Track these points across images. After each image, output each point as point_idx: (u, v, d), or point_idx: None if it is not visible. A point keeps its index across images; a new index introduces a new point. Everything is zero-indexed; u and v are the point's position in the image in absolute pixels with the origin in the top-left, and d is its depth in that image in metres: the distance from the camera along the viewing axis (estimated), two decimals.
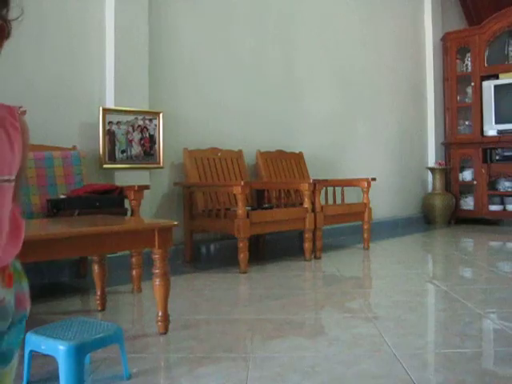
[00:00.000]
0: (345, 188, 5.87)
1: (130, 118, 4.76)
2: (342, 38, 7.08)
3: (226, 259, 5.14)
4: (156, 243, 2.64)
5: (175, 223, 2.81)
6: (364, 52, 7.40)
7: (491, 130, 7.75)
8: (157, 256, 2.68)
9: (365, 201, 5.79)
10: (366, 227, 5.79)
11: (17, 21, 1.03)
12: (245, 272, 4.48)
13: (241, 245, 4.49)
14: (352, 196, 6.42)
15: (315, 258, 5.19)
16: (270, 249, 5.82)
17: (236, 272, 4.51)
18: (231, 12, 5.81)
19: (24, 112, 1.03)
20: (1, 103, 1.00)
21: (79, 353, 2.03)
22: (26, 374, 2.15)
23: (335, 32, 7.00)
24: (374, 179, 5.89)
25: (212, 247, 5.43)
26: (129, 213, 4.01)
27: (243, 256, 4.50)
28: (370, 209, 5.79)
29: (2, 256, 0.97)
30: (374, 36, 7.57)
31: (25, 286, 1.06)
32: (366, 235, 5.78)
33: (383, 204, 7.31)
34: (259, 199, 5.31)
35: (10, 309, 0.99)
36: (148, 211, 4.74)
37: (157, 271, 2.71)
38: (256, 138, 5.95)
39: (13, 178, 0.99)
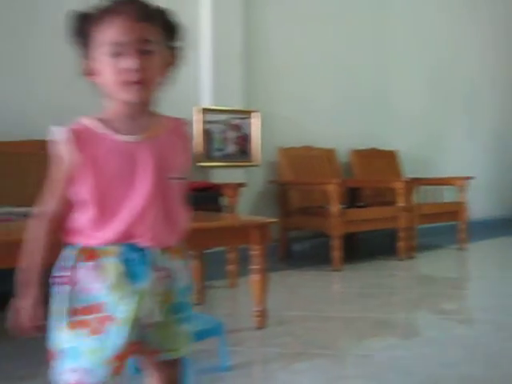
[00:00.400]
0: (439, 187, 5.75)
1: (226, 117, 4.87)
2: (435, 33, 6.92)
3: (318, 257, 5.16)
4: (255, 240, 2.71)
5: (273, 220, 2.87)
6: (459, 48, 7.20)
7: None
8: (255, 252, 2.75)
9: (461, 200, 5.65)
10: (462, 227, 5.65)
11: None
12: (338, 270, 4.50)
13: (334, 243, 4.50)
14: (447, 195, 6.28)
15: (409, 257, 5.12)
16: (363, 247, 5.79)
17: (329, 270, 4.53)
18: (323, 11, 5.80)
19: (186, 124, 1.34)
20: (170, 116, 1.32)
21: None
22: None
23: (428, 27, 6.84)
24: (470, 178, 5.73)
25: (305, 245, 5.47)
26: (223, 210, 4.11)
27: (337, 254, 4.51)
28: (466, 208, 5.65)
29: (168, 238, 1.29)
30: (470, 31, 7.35)
31: (185, 262, 1.36)
32: (462, 235, 5.64)
33: (480, 203, 7.08)
34: (352, 197, 5.29)
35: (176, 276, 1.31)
36: (243, 209, 4.83)
37: (255, 267, 2.77)
38: (349, 136, 5.93)
39: (183, 176, 1.30)
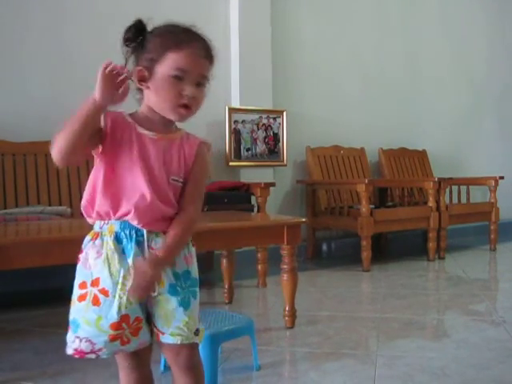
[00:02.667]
0: (470, 187, 5.69)
1: (255, 116, 4.88)
2: (466, 33, 6.84)
3: (347, 257, 5.15)
4: (285, 239, 2.71)
5: (303, 220, 2.87)
6: (491, 48, 7.11)
7: None
8: (285, 252, 2.75)
9: (492, 200, 5.59)
10: (493, 228, 5.58)
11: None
12: (367, 270, 4.47)
13: (364, 243, 4.48)
14: (477, 195, 6.21)
15: (439, 258, 5.08)
16: (392, 247, 5.76)
17: (358, 270, 4.51)
18: (351, 9, 5.79)
19: (205, 144, 1.50)
20: (193, 134, 1.50)
21: (213, 342, 2.13)
22: (162, 360, 2.27)
23: (461, 27, 6.78)
24: (501, 178, 5.66)
25: (333, 245, 5.45)
26: (255, 209, 4.12)
27: (366, 254, 4.49)
28: (497, 208, 5.58)
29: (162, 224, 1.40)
30: (502, 31, 7.25)
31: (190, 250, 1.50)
32: (492, 236, 5.58)
33: (510, 203, 6.97)
34: (382, 197, 5.26)
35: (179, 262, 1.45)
36: (272, 208, 4.84)
37: (285, 267, 2.78)
38: (378, 135, 5.90)
39: (181, 180, 1.44)
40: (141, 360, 1.48)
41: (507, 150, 7.25)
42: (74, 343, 1.37)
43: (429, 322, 3.13)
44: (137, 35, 1.40)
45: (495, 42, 7.16)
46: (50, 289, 3.77)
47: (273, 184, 4.28)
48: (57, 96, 4.01)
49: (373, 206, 4.79)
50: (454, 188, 5.69)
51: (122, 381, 1.50)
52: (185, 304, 1.42)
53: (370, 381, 2.16)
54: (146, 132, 1.41)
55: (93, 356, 1.38)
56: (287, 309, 2.85)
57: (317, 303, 3.52)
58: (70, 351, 1.38)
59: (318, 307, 3.41)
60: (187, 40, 1.39)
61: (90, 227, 1.44)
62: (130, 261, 1.37)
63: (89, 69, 4.18)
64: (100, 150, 1.38)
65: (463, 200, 5.67)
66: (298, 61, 5.37)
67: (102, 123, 1.37)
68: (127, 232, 1.38)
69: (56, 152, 1.32)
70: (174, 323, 1.41)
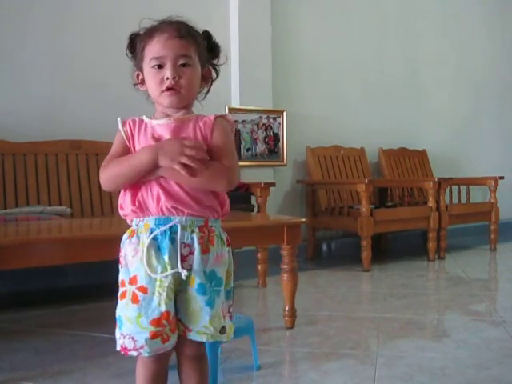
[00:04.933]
0: (470, 187, 5.70)
1: (255, 116, 4.89)
2: (466, 33, 6.84)
3: (347, 257, 5.15)
4: (285, 239, 2.71)
5: (303, 220, 2.87)
6: (491, 48, 7.10)
7: None
8: (285, 252, 2.75)
9: (492, 200, 5.59)
10: (492, 228, 5.58)
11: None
12: (367, 270, 4.48)
13: (364, 243, 4.48)
14: (477, 195, 6.22)
15: (439, 258, 5.08)
16: (392, 247, 5.76)
17: (358, 270, 4.52)
18: (352, 9, 5.79)
19: (223, 115, 1.50)
20: (206, 115, 1.48)
21: (213, 342, 2.12)
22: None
23: (460, 25, 6.77)
24: (501, 177, 5.66)
25: (333, 245, 5.46)
26: (255, 209, 4.12)
27: (366, 254, 4.49)
28: (497, 208, 5.58)
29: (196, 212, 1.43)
30: (502, 30, 7.25)
31: (223, 250, 1.49)
32: (492, 236, 5.58)
33: (510, 203, 6.97)
34: (382, 197, 5.26)
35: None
36: (272, 208, 4.84)
37: (285, 267, 2.78)
38: (378, 135, 5.90)
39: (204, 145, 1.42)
40: (164, 353, 1.48)
41: (507, 149, 7.25)
42: (119, 340, 1.42)
43: (429, 322, 3.13)
44: (131, 46, 1.51)
45: (495, 41, 7.16)
46: (50, 289, 3.77)
47: (273, 184, 4.28)
48: (57, 96, 4.02)
49: (373, 206, 4.79)
50: (454, 188, 5.69)
51: (140, 372, 1.50)
52: (211, 303, 1.43)
53: (370, 381, 2.16)
54: (159, 121, 1.45)
55: (135, 353, 1.41)
56: (287, 309, 2.85)
57: (317, 303, 3.52)
58: (117, 347, 1.43)
59: (318, 307, 3.41)
60: (159, 28, 1.44)
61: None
62: (166, 257, 1.39)
63: (89, 69, 4.21)
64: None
65: (463, 200, 5.67)
66: (298, 61, 5.37)
67: (123, 134, 1.46)
68: (162, 228, 1.40)
69: (106, 185, 1.44)
70: (200, 322, 1.43)
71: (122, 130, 1.46)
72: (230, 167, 1.43)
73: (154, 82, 1.43)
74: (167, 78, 1.40)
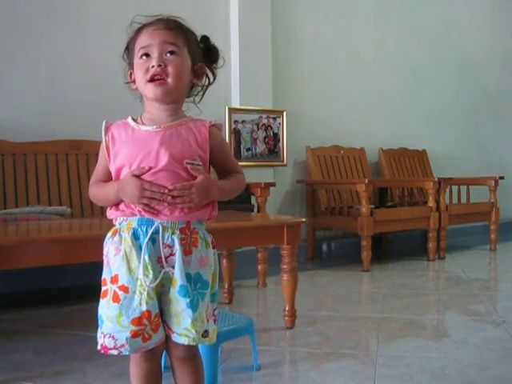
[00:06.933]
0: (470, 187, 5.69)
1: (255, 116, 4.89)
2: (466, 32, 6.84)
3: (347, 257, 5.15)
4: (285, 239, 2.71)
5: (303, 220, 2.87)
6: (491, 47, 7.11)
7: None
8: (285, 252, 2.75)
9: (492, 200, 5.59)
10: (493, 228, 5.59)
11: None
12: (367, 270, 4.48)
13: (364, 243, 4.48)
14: (477, 195, 6.21)
15: (439, 258, 5.09)
16: (392, 247, 5.76)
17: (358, 270, 4.52)
18: (351, 9, 5.78)
19: (215, 124, 1.49)
20: (199, 118, 1.48)
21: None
22: (163, 360, 2.27)
23: (459, 26, 6.77)
24: (501, 177, 5.66)
25: (333, 245, 5.46)
26: (255, 209, 4.12)
27: (366, 254, 4.49)
28: (497, 208, 5.58)
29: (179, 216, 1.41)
30: (502, 30, 7.25)
31: (208, 252, 1.47)
32: (492, 236, 5.58)
33: (510, 204, 6.96)
34: (382, 197, 5.27)
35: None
36: (272, 208, 4.84)
37: (285, 267, 2.77)
38: (378, 135, 5.90)
39: (199, 163, 1.42)
40: (153, 352, 1.48)
41: (507, 150, 7.25)
42: (100, 339, 1.41)
43: (429, 322, 3.13)
44: (128, 51, 1.50)
45: (495, 41, 7.16)
46: (50, 289, 3.77)
47: (273, 184, 4.28)
48: (57, 96, 4.01)
49: (373, 206, 4.79)
50: (454, 188, 5.69)
51: (132, 371, 1.51)
52: (193, 306, 1.41)
53: (370, 381, 2.16)
54: (147, 127, 1.42)
55: (115, 352, 1.40)
56: (287, 309, 2.85)
57: (317, 303, 3.52)
58: (98, 346, 1.42)
59: (318, 307, 3.41)
60: (147, 24, 1.44)
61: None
62: (146, 257, 1.38)
63: (89, 69, 4.21)
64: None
65: (463, 200, 5.67)
66: (298, 61, 5.37)
67: (104, 144, 1.46)
68: (144, 228, 1.39)
69: (94, 201, 1.50)
70: (182, 324, 1.42)
71: (103, 140, 1.46)
72: (240, 171, 1.54)
73: (141, 71, 1.40)
74: (153, 67, 1.38)
